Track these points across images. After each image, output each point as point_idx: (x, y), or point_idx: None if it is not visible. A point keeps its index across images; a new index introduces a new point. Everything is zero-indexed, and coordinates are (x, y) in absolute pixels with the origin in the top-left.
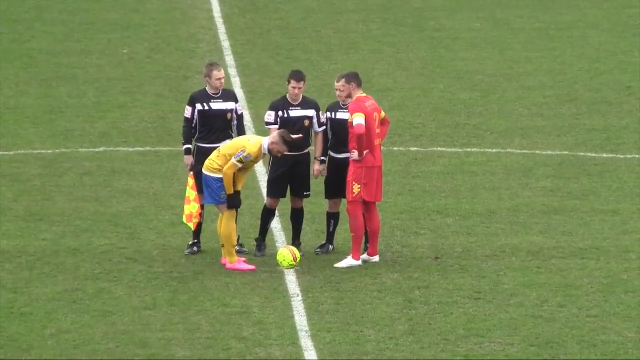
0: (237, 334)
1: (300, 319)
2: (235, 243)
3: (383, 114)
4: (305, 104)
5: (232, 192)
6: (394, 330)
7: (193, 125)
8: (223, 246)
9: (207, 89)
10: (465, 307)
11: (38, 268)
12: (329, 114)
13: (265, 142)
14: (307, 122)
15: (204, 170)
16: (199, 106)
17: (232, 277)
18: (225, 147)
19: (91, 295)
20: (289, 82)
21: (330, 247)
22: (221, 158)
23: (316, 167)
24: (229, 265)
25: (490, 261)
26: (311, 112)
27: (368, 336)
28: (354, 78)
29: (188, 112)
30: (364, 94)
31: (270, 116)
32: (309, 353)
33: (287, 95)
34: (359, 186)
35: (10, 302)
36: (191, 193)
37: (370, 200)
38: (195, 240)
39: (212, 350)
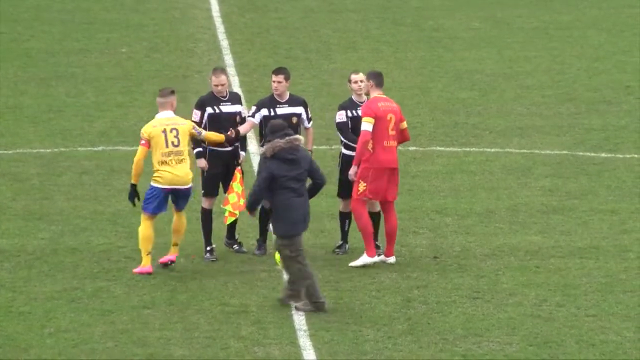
0: (235, 333)
1: (299, 318)
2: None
3: (404, 124)
4: (293, 101)
5: None
6: (392, 330)
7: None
8: (176, 244)
9: (214, 92)
10: (464, 307)
11: (37, 267)
12: (348, 112)
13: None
14: (294, 120)
15: (189, 185)
16: (209, 109)
17: (230, 277)
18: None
19: (90, 294)
20: (271, 78)
21: (347, 246)
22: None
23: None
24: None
25: (489, 260)
26: (299, 109)
27: (366, 335)
28: (373, 76)
29: (196, 115)
30: (382, 95)
31: (250, 110)
32: (308, 352)
33: (274, 92)
34: (365, 184)
35: (9, 301)
36: (239, 187)
37: (374, 199)
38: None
39: (211, 349)
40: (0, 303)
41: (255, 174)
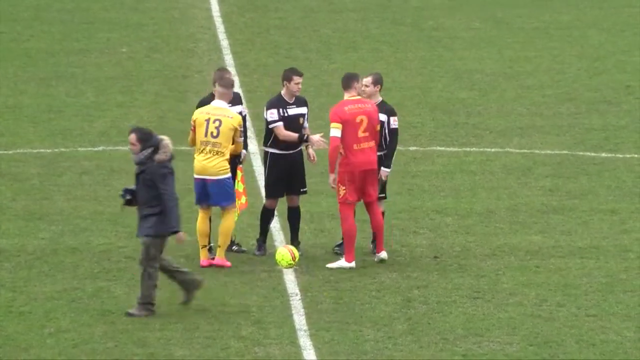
0: (235, 333)
1: (299, 318)
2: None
3: (379, 126)
4: (299, 101)
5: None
6: (392, 330)
7: None
8: (219, 246)
9: (214, 93)
10: (464, 307)
11: (37, 267)
12: None
13: None
14: (301, 120)
15: (217, 177)
16: None
17: (230, 277)
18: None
19: (90, 294)
20: (290, 79)
21: None
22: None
23: (310, 151)
24: (219, 261)
25: (489, 260)
26: (304, 110)
27: (367, 335)
28: (342, 80)
29: None
30: (353, 97)
31: (273, 114)
32: (308, 352)
33: (283, 93)
34: (344, 188)
35: (9, 301)
36: (240, 186)
37: (355, 200)
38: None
39: (211, 349)
40: (1, 303)
41: (165, 183)
